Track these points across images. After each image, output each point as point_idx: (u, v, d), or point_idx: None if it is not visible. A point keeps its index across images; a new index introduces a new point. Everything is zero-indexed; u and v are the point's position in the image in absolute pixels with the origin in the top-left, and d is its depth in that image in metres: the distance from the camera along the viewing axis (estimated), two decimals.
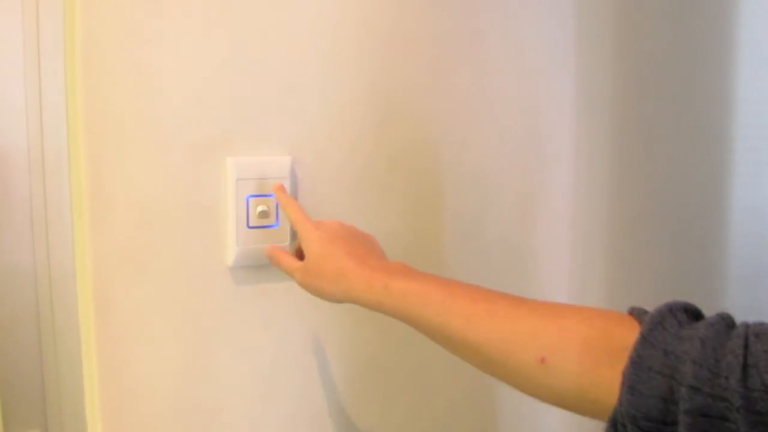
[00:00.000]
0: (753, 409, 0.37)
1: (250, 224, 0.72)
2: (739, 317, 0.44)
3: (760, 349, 0.39)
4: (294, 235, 0.75)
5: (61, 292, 1.11)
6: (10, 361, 1.10)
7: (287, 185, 0.74)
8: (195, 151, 0.70)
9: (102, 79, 0.66)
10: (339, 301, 0.62)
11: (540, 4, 0.89)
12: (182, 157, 0.69)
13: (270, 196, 0.73)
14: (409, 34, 0.80)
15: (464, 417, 0.90)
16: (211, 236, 0.72)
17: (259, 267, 0.74)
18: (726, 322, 0.42)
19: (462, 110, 0.84)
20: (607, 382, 0.44)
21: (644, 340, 0.42)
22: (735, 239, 1.16)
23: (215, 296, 0.72)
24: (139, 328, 0.69)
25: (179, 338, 0.71)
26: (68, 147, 0.75)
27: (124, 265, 0.68)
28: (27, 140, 1.08)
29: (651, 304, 0.47)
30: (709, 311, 0.46)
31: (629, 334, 0.44)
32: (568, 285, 0.97)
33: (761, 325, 0.41)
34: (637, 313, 0.47)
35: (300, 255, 0.70)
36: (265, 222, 0.73)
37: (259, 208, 0.72)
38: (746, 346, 0.39)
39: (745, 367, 0.38)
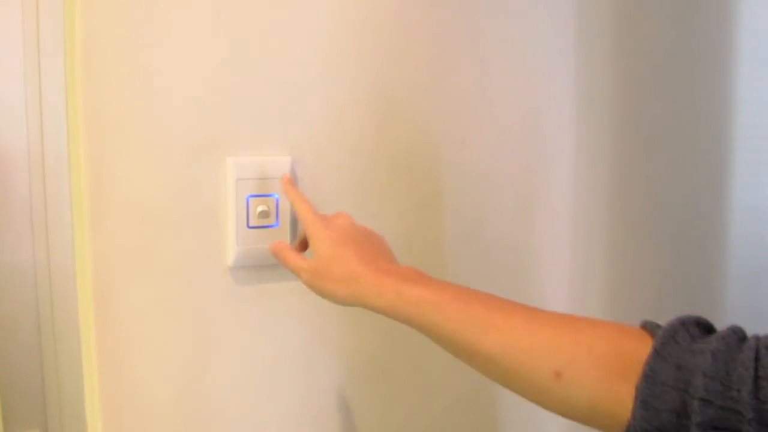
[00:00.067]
0: (765, 422, 0.37)
1: (250, 224, 0.72)
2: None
3: None
4: (295, 235, 0.75)
5: (61, 292, 1.11)
6: (10, 361, 1.10)
7: None
8: (195, 151, 0.70)
9: (102, 80, 0.65)
10: (347, 304, 0.61)
11: (540, 4, 0.89)
12: (182, 157, 0.69)
13: (270, 196, 0.73)
14: (409, 34, 0.80)
15: (464, 417, 0.90)
16: (211, 236, 0.72)
17: (259, 267, 0.74)
18: (737, 335, 0.43)
19: (462, 110, 0.84)
20: (622, 397, 0.44)
21: (657, 355, 0.43)
22: (735, 239, 1.16)
23: (215, 296, 0.72)
24: (139, 328, 0.69)
25: (179, 338, 0.71)
26: (68, 147, 0.75)
27: (124, 265, 0.68)
28: (27, 140, 1.08)
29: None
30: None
31: (643, 349, 0.44)
32: (568, 285, 0.97)
33: None
34: (649, 327, 0.47)
35: (303, 247, 0.70)
36: (265, 222, 0.73)
37: (259, 208, 0.72)
38: (757, 359, 0.39)
39: (756, 379, 0.38)
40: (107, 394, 0.68)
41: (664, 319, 0.46)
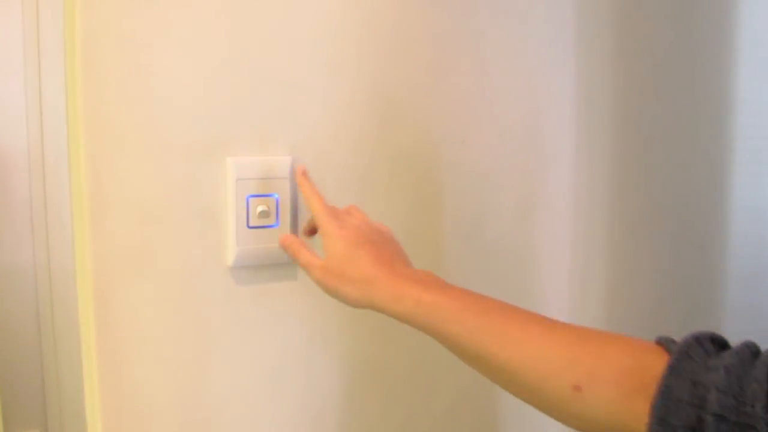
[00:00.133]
0: None
1: (250, 224, 0.72)
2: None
3: None
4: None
5: (61, 292, 1.11)
6: (10, 361, 1.10)
7: (287, 185, 0.74)
8: (195, 152, 0.70)
9: (102, 80, 0.65)
10: (359, 306, 0.60)
11: (540, 3, 0.89)
12: (182, 157, 0.69)
13: (270, 196, 0.73)
14: (409, 34, 0.80)
15: (464, 417, 0.90)
16: (211, 236, 0.72)
17: (259, 267, 0.74)
18: (751, 350, 0.43)
19: (462, 110, 0.84)
20: (638, 413, 0.44)
21: (672, 371, 0.43)
22: (735, 239, 1.16)
23: (215, 296, 0.72)
24: (139, 328, 0.69)
25: (179, 338, 0.71)
26: (68, 147, 0.75)
27: (124, 265, 0.68)
28: (27, 140, 1.08)
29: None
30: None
31: (659, 364, 0.44)
32: (569, 285, 0.97)
33: None
34: (664, 342, 0.47)
35: (311, 232, 0.70)
36: (265, 222, 0.73)
37: (259, 208, 0.72)
38: None
39: None
40: (107, 394, 0.68)
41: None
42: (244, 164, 0.71)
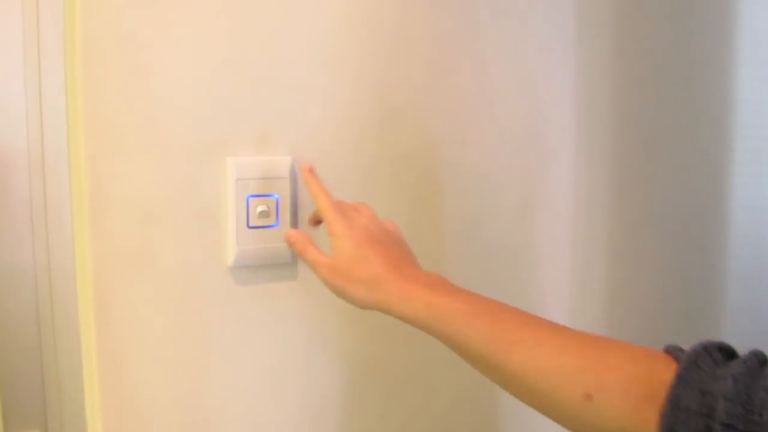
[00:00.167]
0: None
1: (250, 224, 0.72)
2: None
3: None
4: None
5: (61, 292, 1.11)
6: (10, 361, 1.10)
7: (287, 185, 0.74)
8: (195, 151, 0.70)
9: (102, 80, 0.65)
10: (365, 306, 0.59)
11: (540, 3, 0.89)
12: (182, 157, 0.69)
13: (270, 196, 0.73)
14: (409, 34, 0.80)
15: (464, 417, 0.90)
16: (211, 236, 0.72)
17: (259, 267, 0.74)
18: (759, 359, 0.43)
19: (462, 110, 0.84)
20: (648, 422, 0.44)
21: (681, 380, 0.43)
22: (735, 239, 1.16)
23: (215, 296, 0.72)
24: (139, 328, 0.69)
25: (179, 338, 0.71)
26: (68, 147, 0.75)
27: (124, 265, 0.68)
28: (27, 140, 1.08)
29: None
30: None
31: (669, 373, 0.44)
32: (569, 285, 0.97)
33: None
34: (673, 351, 0.47)
35: (316, 222, 0.70)
36: (265, 222, 0.73)
37: (259, 208, 0.72)
38: None
39: None
40: (107, 394, 0.68)
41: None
42: (244, 164, 0.71)
